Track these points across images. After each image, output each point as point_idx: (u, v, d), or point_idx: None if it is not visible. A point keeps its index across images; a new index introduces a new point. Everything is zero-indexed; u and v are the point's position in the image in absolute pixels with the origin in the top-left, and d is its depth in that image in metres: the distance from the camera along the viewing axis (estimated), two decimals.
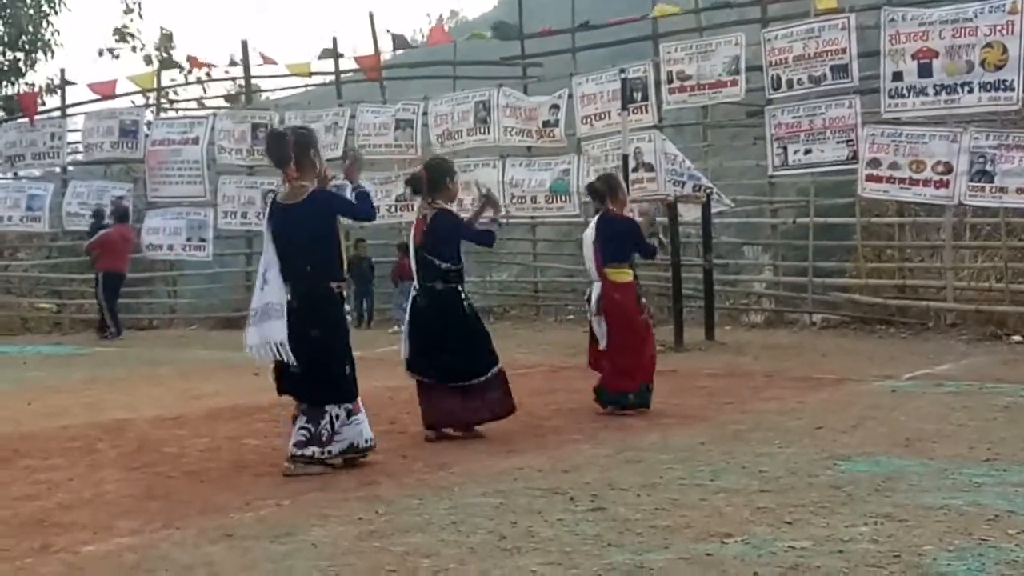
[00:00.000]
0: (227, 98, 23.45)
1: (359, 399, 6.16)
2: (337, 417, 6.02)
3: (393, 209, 18.25)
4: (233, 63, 21.09)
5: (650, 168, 15.70)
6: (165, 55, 25.24)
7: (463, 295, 7.19)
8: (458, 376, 7.04)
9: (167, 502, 5.39)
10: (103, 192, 20.26)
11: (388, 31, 19.74)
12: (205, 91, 23.59)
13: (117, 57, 26.18)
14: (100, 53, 26.69)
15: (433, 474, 5.88)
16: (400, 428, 7.52)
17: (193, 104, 22.75)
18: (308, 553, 4.31)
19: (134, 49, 26.10)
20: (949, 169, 13.12)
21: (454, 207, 7.45)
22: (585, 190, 8.39)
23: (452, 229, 7.19)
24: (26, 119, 21.92)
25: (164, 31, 26.24)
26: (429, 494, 5.31)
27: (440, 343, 7.01)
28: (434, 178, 7.27)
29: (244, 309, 20.26)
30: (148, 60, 25.76)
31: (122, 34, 26.08)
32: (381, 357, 10.90)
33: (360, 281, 18.19)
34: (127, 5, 26.46)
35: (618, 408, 7.88)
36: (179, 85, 23.21)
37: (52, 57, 24.75)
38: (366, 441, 6.13)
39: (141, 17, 26.33)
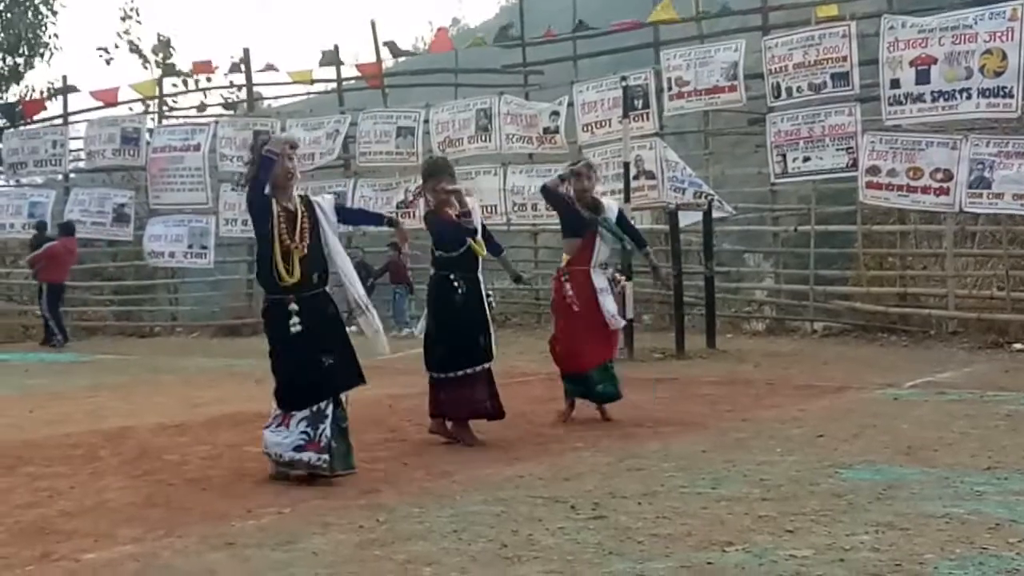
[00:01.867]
0: (228, 105, 23.51)
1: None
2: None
3: (394, 215, 18.25)
4: (235, 68, 21.08)
5: (651, 176, 15.71)
6: (164, 61, 25.29)
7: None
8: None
9: (168, 510, 5.39)
10: (105, 199, 20.30)
11: (384, 44, 19.54)
12: (206, 96, 23.65)
13: (109, 63, 26.34)
14: (99, 51, 26.88)
15: (434, 482, 5.88)
16: (401, 436, 7.53)
17: (194, 111, 22.80)
18: (309, 561, 4.32)
19: (137, 53, 26.15)
20: (949, 176, 13.11)
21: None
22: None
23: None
24: (28, 127, 21.98)
25: (162, 37, 26.28)
26: (430, 502, 5.32)
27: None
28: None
29: (245, 317, 20.43)
30: (145, 65, 25.87)
31: (123, 39, 26.19)
32: (382, 365, 10.89)
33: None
34: (124, 11, 26.56)
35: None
36: (181, 93, 23.29)
37: (51, 60, 24.86)
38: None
39: (139, 23, 26.46)
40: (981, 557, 4.09)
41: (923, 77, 13.20)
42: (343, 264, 6.24)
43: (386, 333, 6.41)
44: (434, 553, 4.35)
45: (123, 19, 26.49)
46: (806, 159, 14.49)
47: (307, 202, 6.10)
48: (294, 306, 5.89)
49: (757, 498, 5.20)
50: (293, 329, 5.88)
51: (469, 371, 7.15)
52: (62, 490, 5.93)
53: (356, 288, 6.25)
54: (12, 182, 22.07)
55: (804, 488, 5.40)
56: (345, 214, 6.53)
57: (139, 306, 22.10)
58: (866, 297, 14.86)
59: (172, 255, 19.78)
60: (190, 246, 19.52)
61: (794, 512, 4.87)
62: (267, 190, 5.94)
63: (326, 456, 5.85)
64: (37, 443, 7.62)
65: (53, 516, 5.30)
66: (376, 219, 7.20)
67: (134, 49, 26.11)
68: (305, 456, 5.85)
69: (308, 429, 5.87)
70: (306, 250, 5.95)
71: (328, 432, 5.88)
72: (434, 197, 7.41)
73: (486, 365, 7.22)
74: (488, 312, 7.32)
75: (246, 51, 20.68)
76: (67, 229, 18.65)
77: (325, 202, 6.21)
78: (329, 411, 5.92)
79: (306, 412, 5.90)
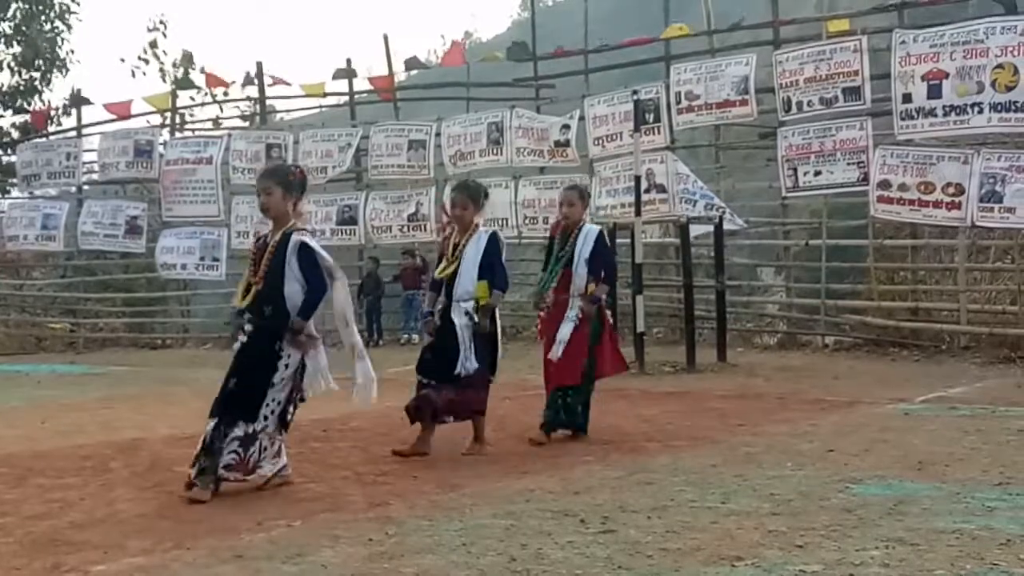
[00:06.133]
0: (244, 118, 23.64)
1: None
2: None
3: (405, 229, 18.38)
4: (249, 81, 21.19)
5: (662, 189, 15.73)
6: (184, 74, 25.45)
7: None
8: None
9: (178, 522, 5.40)
10: (118, 211, 20.40)
11: (405, 61, 19.65)
12: (222, 109, 23.78)
13: (134, 75, 26.56)
14: (122, 60, 27.19)
15: (444, 495, 5.88)
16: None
17: (208, 124, 22.93)
18: (318, 574, 4.32)
19: (157, 60, 26.29)
20: (961, 191, 13.08)
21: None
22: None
23: None
24: (42, 139, 22.11)
25: (186, 52, 26.45)
26: (439, 515, 5.32)
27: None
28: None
29: None
30: (165, 77, 26.02)
31: (150, 51, 26.30)
32: (393, 377, 10.88)
33: (371, 298, 18.41)
34: (153, 23, 26.70)
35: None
36: (194, 106, 23.43)
37: (66, 75, 25.02)
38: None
39: (165, 36, 26.62)
40: (992, 573, 4.07)
41: (935, 91, 13.19)
42: (339, 307, 6.24)
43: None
44: (443, 566, 4.35)
45: (151, 30, 26.65)
46: (817, 173, 14.48)
47: (284, 238, 6.14)
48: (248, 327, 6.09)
49: (767, 513, 5.19)
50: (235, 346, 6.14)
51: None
52: (73, 501, 5.95)
53: (352, 335, 6.26)
54: (26, 194, 22.19)
55: (814, 503, 5.38)
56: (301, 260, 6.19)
57: (151, 318, 22.19)
58: (877, 311, 14.82)
59: (184, 267, 19.85)
60: (202, 258, 19.58)
61: (804, 527, 4.85)
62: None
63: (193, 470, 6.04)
64: (48, 454, 7.65)
65: (64, 527, 5.32)
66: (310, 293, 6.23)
67: (161, 64, 26.28)
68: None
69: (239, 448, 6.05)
70: (261, 284, 6.10)
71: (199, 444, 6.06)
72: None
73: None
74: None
75: (259, 64, 20.79)
76: None
77: (292, 244, 6.11)
78: (209, 428, 6.05)
79: (240, 433, 6.05)
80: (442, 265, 7.47)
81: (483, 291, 7.29)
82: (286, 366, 6.09)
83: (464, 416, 7.34)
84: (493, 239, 7.41)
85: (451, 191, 7.69)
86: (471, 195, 7.49)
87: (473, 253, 7.32)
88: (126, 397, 11.91)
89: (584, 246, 7.85)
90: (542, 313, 8.02)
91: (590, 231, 7.97)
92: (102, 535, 5.13)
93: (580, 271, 7.82)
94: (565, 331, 7.77)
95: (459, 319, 7.23)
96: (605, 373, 8.01)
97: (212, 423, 6.03)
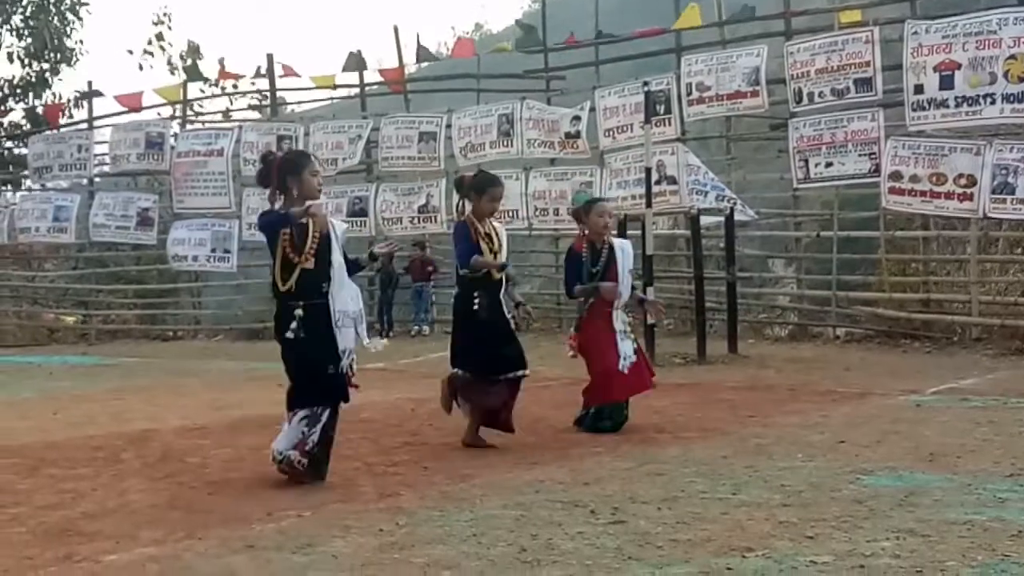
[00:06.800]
0: (253, 108, 23.64)
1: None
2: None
3: (416, 221, 18.40)
4: (259, 75, 21.20)
5: (673, 181, 15.70)
6: (191, 66, 25.46)
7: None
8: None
9: (190, 512, 5.42)
10: (129, 203, 20.47)
11: (419, 48, 19.52)
12: (232, 102, 23.80)
13: (142, 68, 26.53)
14: (129, 52, 27.16)
15: (454, 486, 5.89)
16: (422, 440, 7.54)
17: (219, 116, 22.94)
18: (329, 564, 4.33)
19: (163, 52, 26.30)
20: (973, 182, 13.04)
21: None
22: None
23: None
24: (53, 131, 22.17)
25: (192, 43, 26.43)
26: (450, 506, 5.32)
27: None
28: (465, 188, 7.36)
29: (268, 320, 20.51)
30: (173, 70, 26.02)
31: (155, 43, 26.30)
32: (403, 369, 10.95)
33: (383, 290, 18.46)
34: (158, 16, 26.71)
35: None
36: (205, 98, 23.44)
37: (75, 66, 25.08)
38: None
39: (171, 28, 26.57)
40: (1003, 564, 4.06)
41: (947, 82, 13.14)
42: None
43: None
44: (453, 557, 4.36)
45: (156, 23, 26.65)
46: (828, 164, 14.45)
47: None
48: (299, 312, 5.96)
49: (778, 504, 5.18)
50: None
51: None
52: (84, 492, 5.97)
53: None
54: (38, 186, 22.26)
55: (825, 494, 5.38)
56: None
57: (162, 309, 22.27)
58: (889, 303, 14.79)
59: (195, 259, 19.89)
60: (213, 250, 19.63)
61: (815, 518, 4.85)
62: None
63: (305, 460, 5.95)
64: (60, 445, 7.68)
65: (75, 518, 5.34)
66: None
67: (168, 56, 26.26)
68: (291, 454, 5.94)
69: (304, 429, 5.95)
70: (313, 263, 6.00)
71: (316, 438, 5.96)
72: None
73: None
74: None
75: (270, 56, 20.81)
76: None
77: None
78: (324, 417, 5.99)
79: (306, 412, 5.97)
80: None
81: None
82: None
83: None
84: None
85: (492, 186, 7.57)
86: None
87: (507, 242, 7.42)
88: (137, 388, 11.95)
89: (625, 259, 7.94)
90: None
91: (625, 245, 8.12)
92: (114, 525, 5.15)
93: (627, 281, 7.91)
94: (627, 347, 7.80)
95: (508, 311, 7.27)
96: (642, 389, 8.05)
97: (326, 412, 6.00)
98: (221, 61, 22.15)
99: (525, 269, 19.89)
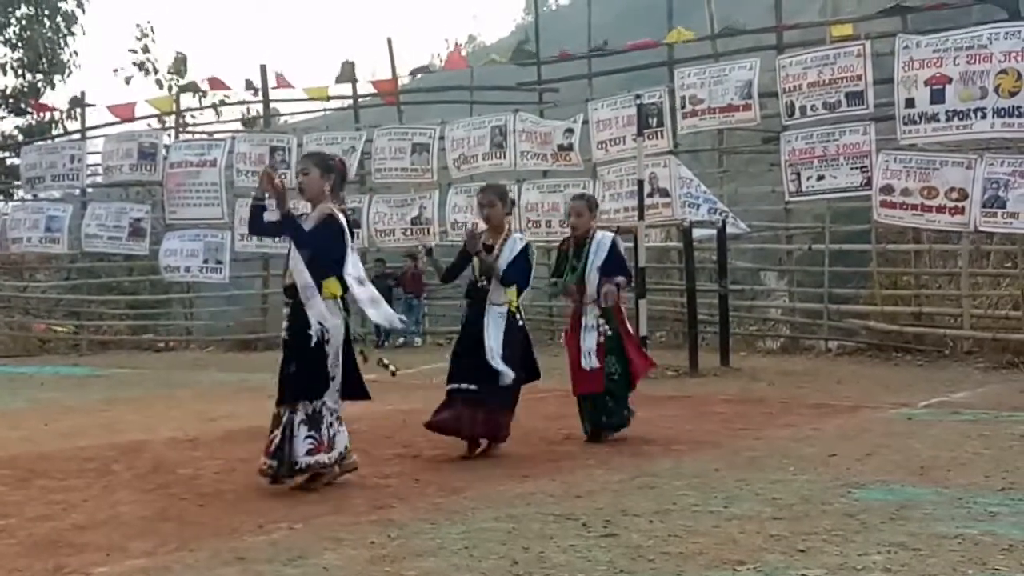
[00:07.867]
0: (245, 122, 23.61)
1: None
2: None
3: (409, 232, 18.40)
4: (251, 87, 21.19)
5: (665, 194, 15.71)
6: (179, 79, 25.40)
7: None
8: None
9: (180, 524, 5.41)
10: (121, 214, 20.41)
11: (410, 72, 19.57)
12: (219, 115, 23.73)
13: (128, 82, 26.35)
14: (115, 71, 26.97)
15: (446, 498, 5.89)
16: (414, 452, 7.53)
17: (211, 127, 22.90)
18: None
19: (146, 73, 26.19)
20: (964, 196, 13.08)
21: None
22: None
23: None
24: (46, 141, 22.13)
25: (179, 55, 26.33)
26: (442, 518, 5.32)
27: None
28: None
29: (260, 331, 20.49)
30: (160, 84, 25.95)
31: (138, 59, 26.23)
32: (397, 380, 10.89)
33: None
34: (141, 31, 26.64)
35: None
36: (198, 108, 23.41)
37: (69, 77, 25.01)
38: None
39: (154, 42, 26.41)
40: None
41: (938, 96, 13.18)
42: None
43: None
44: (445, 569, 4.36)
45: (139, 39, 26.57)
46: (820, 177, 14.49)
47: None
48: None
49: (769, 517, 5.19)
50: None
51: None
52: (75, 503, 5.96)
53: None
54: (30, 196, 22.22)
55: (816, 507, 5.38)
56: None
57: (154, 320, 22.22)
58: (880, 316, 14.81)
59: (187, 270, 19.84)
60: (205, 261, 19.59)
61: (806, 531, 4.86)
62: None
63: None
64: (51, 456, 7.66)
65: (66, 529, 5.33)
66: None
67: (149, 70, 26.12)
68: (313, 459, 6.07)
69: (313, 433, 6.04)
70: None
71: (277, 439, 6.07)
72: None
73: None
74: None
75: (262, 67, 20.80)
76: None
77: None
78: (285, 417, 6.07)
79: (302, 416, 6.05)
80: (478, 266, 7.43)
81: (512, 295, 7.34)
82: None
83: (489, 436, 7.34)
84: (524, 251, 7.39)
85: (479, 194, 7.70)
86: (498, 193, 7.60)
87: (508, 255, 7.33)
88: (129, 399, 11.91)
89: (598, 253, 7.87)
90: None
91: (603, 238, 7.99)
92: (104, 537, 5.13)
93: (591, 277, 7.84)
94: (591, 341, 7.81)
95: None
96: (641, 373, 8.09)
97: (287, 413, 6.08)
98: (208, 80, 22.06)
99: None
